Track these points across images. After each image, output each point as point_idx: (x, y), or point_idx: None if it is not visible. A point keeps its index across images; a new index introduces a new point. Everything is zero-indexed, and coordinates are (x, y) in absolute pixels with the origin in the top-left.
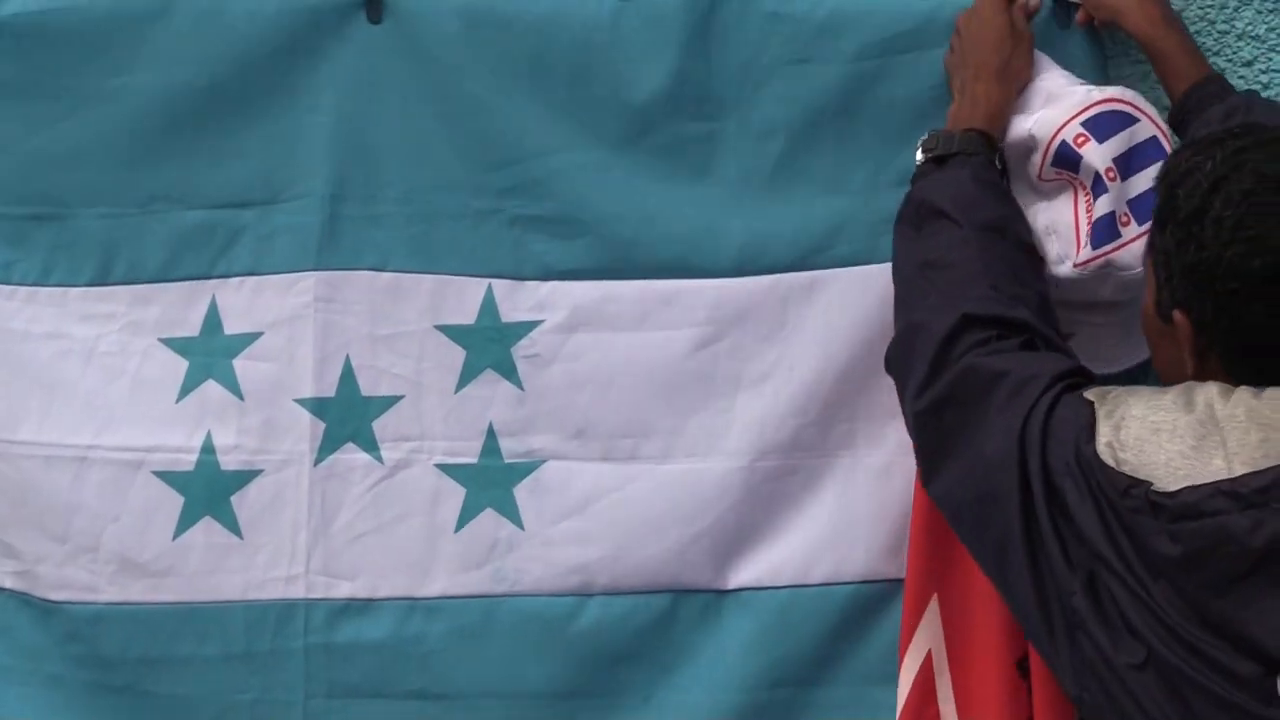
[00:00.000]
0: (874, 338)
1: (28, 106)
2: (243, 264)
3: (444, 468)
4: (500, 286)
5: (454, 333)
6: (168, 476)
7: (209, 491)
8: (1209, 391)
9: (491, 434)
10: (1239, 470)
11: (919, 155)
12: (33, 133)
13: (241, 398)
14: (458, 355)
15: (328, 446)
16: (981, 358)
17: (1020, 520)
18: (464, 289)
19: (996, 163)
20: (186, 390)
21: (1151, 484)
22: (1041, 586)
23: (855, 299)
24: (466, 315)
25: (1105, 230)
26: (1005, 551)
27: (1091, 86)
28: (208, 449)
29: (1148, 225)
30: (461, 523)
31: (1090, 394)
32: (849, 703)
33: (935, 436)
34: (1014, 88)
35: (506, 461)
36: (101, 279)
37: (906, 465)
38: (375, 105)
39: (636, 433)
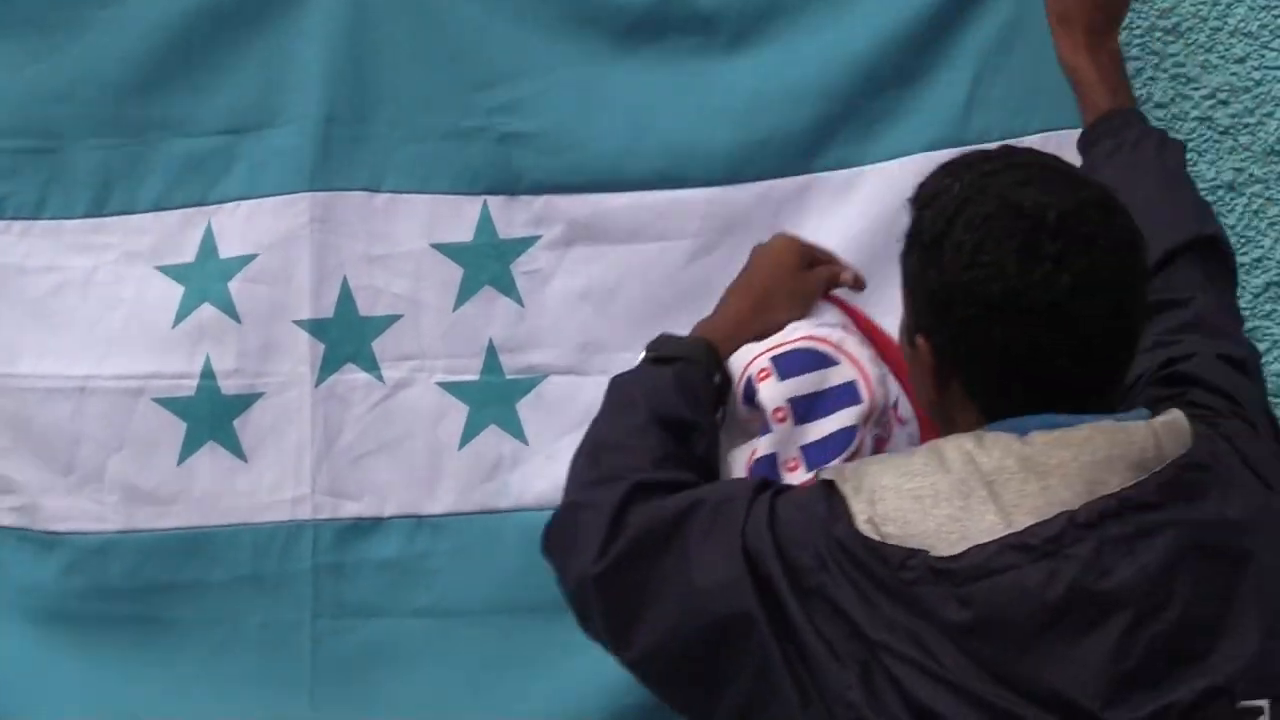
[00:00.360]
0: (864, 239)
1: (19, 39)
2: (238, 189)
3: (446, 385)
4: (495, 203)
5: (451, 250)
6: (169, 403)
7: (211, 416)
8: (962, 445)
9: (492, 350)
10: (1024, 522)
11: (643, 353)
12: (24, 65)
13: (239, 320)
14: (455, 273)
15: (328, 367)
16: (662, 503)
17: (774, 638)
18: (459, 207)
19: (716, 378)
20: (182, 315)
21: (929, 551)
22: (807, 700)
23: (845, 201)
24: (463, 233)
25: (765, 472)
26: (760, 676)
27: (801, 322)
28: (207, 374)
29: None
30: (465, 440)
31: (825, 476)
32: None
33: (622, 595)
34: (764, 320)
35: (508, 378)
36: (97, 210)
37: None
38: (365, 26)
39: (637, 345)
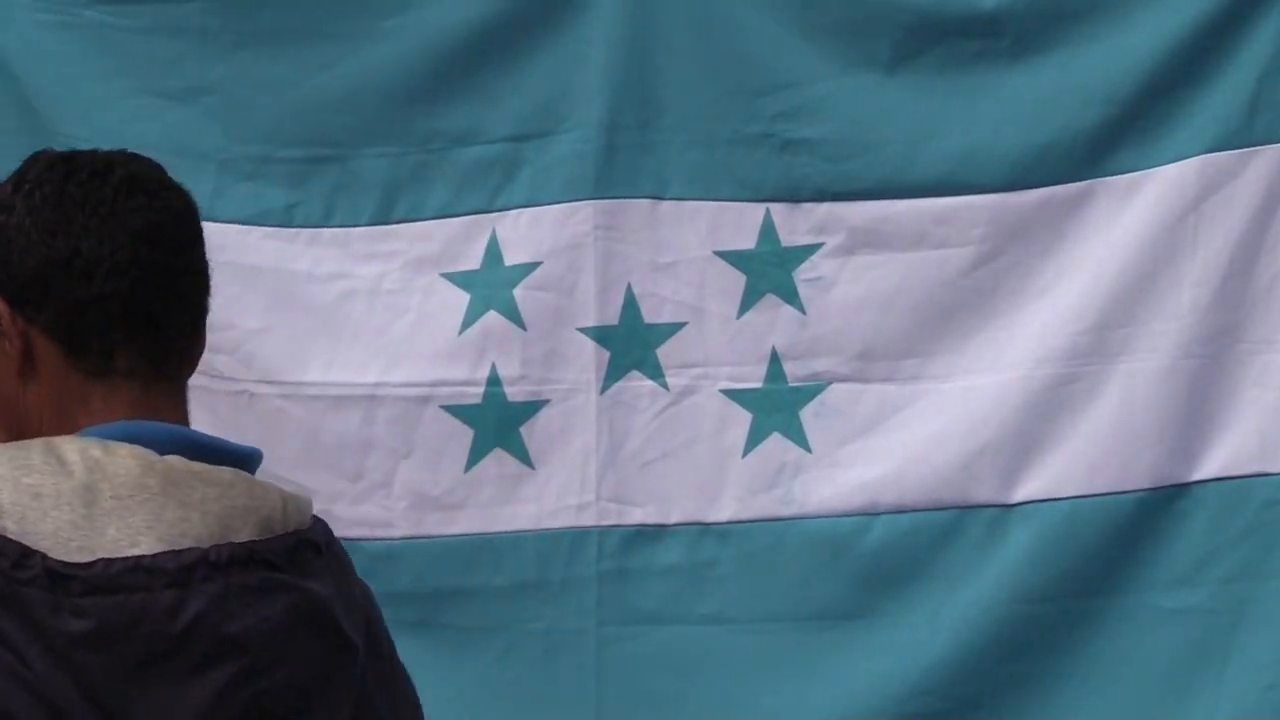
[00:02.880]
0: (1147, 244)
1: (303, 50)
2: (522, 196)
3: (729, 393)
4: (778, 210)
5: (734, 258)
6: (456, 410)
7: (498, 423)
8: (87, 450)
9: (775, 358)
10: (153, 546)
11: None
12: (311, 75)
13: (524, 328)
14: (739, 280)
15: (613, 374)
16: None
17: None
18: (742, 214)
19: None
20: (469, 323)
21: (47, 554)
22: None
23: (1128, 206)
24: (746, 240)
25: None
26: None
27: None
28: (494, 381)
29: None
30: (749, 447)
31: None
32: (1134, 612)
33: None
34: None
35: (791, 385)
36: (383, 218)
37: (1188, 369)
38: (648, 33)
39: (920, 353)
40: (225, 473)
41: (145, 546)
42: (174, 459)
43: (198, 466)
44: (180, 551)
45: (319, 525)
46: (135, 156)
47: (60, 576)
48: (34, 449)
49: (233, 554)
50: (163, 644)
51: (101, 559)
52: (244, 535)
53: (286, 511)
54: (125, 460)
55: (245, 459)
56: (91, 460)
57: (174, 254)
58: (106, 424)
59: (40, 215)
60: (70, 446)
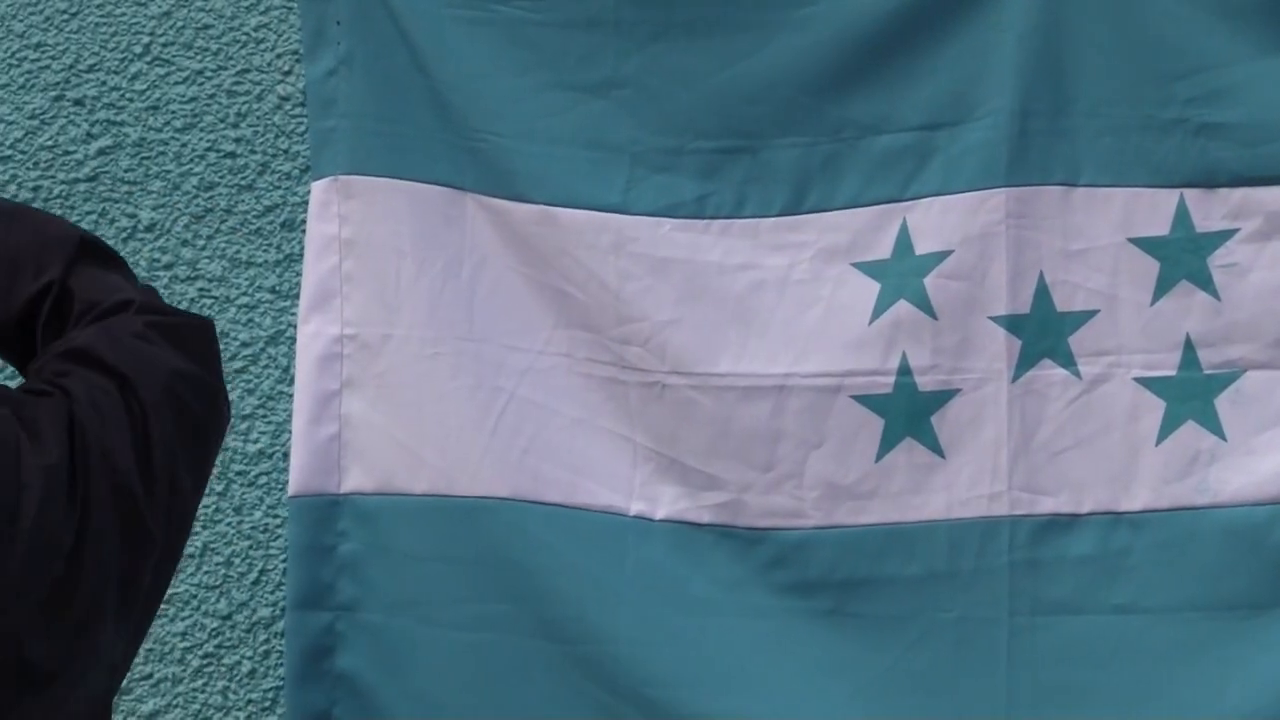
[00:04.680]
0: None
1: (716, 41)
2: (933, 185)
3: (1142, 381)
4: (1192, 196)
5: (1148, 245)
6: (866, 400)
7: (909, 412)
8: None
9: (1189, 345)
10: None
11: None
12: (721, 67)
13: (935, 317)
14: (1152, 267)
15: (1024, 363)
16: None
17: None
18: (1155, 200)
19: None
20: (879, 312)
21: None
22: None
23: None
24: (1159, 227)
25: None
26: None
27: None
28: (904, 370)
29: None
30: (1162, 435)
31: None
32: None
33: None
34: None
35: (1205, 373)
36: (794, 208)
37: None
38: (1060, 18)
39: None
40: None
41: None
42: None
43: None
44: None
45: None
46: None
47: None
48: None
49: None
50: None
51: None
52: None
53: None
54: None
55: None
56: None
57: None
58: None
59: None
60: None
